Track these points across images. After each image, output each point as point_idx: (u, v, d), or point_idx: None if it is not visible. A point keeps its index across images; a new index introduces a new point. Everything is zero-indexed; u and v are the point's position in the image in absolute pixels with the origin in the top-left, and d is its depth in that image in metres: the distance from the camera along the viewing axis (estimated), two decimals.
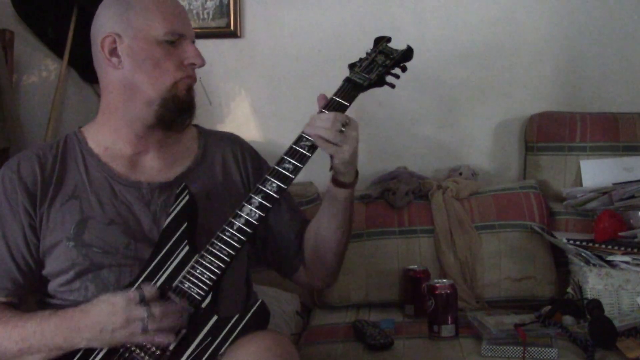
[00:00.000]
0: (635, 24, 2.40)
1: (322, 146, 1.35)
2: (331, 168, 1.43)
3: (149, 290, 1.27)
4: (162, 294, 1.29)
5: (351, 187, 1.45)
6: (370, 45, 1.49)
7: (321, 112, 1.38)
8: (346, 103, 1.38)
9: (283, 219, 1.55)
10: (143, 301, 1.24)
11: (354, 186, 1.46)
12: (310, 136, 1.35)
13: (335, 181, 1.45)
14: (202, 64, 1.42)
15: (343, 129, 1.34)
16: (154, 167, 1.46)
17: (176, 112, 1.41)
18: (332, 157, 1.39)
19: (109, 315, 1.25)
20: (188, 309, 1.28)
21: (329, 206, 1.48)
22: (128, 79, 1.39)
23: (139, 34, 1.38)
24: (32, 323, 1.30)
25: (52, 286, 1.41)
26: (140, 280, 1.33)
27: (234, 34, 2.44)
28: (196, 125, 1.56)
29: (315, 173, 2.05)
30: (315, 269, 1.56)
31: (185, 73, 1.41)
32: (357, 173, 1.45)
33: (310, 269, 1.56)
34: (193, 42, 1.44)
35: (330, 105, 1.38)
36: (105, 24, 1.40)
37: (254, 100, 2.49)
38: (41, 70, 2.52)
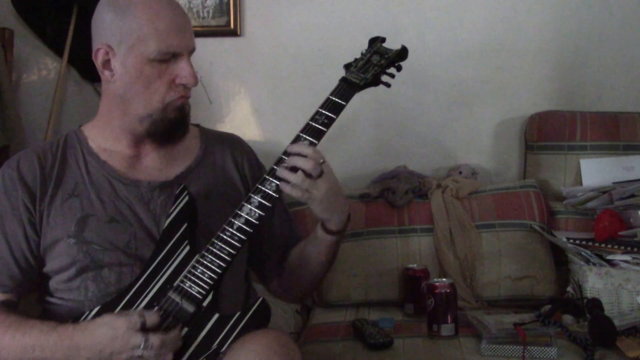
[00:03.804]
0: (636, 23, 2.40)
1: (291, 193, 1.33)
2: None
3: (151, 317, 1.26)
4: (163, 316, 1.29)
5: (339, 234, 1.43)
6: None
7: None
8: (342, 102, 1.39)
9: (272, 229, 1.54)
10: (144, 328, 1.24)
11: (343, 233, 1.44)
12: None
13: (323, 225, 1.43)
14: (195, 84, 1.39)
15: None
16: (154, 166, 1.46)
17: (166, 130, 1.40)
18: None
19: (109, 339, 1.25)
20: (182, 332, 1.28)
21: (313, 243, 1.46)
22: (120, 93, 1.39)
23: (131, 50, 1.35)
24: (32, 337, 1.30)
25: (52, 284, 1.41)
26: (141, 280, 1.33)
27: (233, 33, 2.44)
28: (197, 125, 1.56)
29: None
30: (289, 286, 1.57)
31: (177, 94, 1.38)
32: (349, 218, 1.43)
33: (284, 285, 1.57)
34: (192, 51, 1.41)
35: (326, 104, 1.39)
36: (101, 32, 1.38)
37: (254, 99, 2.49)
38: (41, 68, 2.51)
